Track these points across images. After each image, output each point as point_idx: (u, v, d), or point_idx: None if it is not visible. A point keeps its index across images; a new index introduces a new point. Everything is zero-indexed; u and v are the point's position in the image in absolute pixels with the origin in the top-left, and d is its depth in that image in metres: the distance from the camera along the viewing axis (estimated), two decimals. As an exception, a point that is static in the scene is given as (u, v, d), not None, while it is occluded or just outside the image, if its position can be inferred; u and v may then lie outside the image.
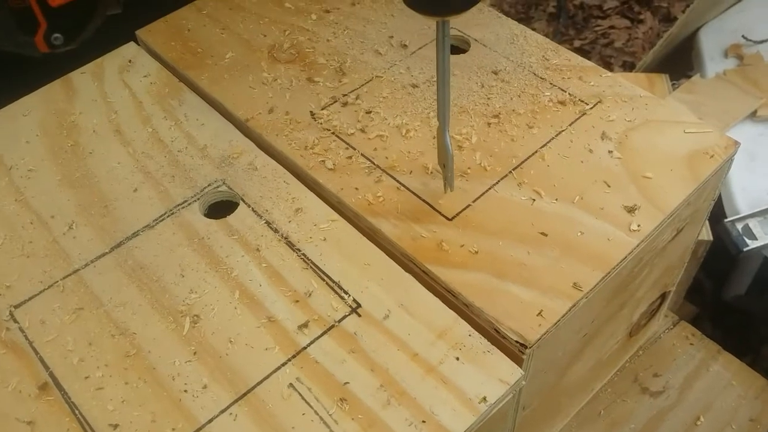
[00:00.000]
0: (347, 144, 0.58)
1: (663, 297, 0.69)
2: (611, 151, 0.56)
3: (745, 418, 0.72)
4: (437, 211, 0.53)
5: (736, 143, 0.56)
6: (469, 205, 0.53)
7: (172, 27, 0.68)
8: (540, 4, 2.07)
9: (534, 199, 0.53)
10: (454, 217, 0.52)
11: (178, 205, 0.54)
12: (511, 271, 0.49)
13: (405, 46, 0.66)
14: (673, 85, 1.28)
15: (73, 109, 0.62)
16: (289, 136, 0.58)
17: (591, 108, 0.59)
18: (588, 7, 2.04)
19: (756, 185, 0.98)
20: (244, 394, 0.44)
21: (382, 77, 0.63)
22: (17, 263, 0.51)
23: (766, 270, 0.97)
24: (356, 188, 0.55)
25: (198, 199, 0.55)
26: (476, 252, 0.50)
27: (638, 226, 0.51)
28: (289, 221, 0.53)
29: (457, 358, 0.45)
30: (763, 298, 1.03)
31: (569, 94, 0.60)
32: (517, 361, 0.45)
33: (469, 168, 0.55)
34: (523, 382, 0.44)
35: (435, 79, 0.62)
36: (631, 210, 0.52)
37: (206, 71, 0.64)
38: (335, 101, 0.61)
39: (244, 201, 0.54)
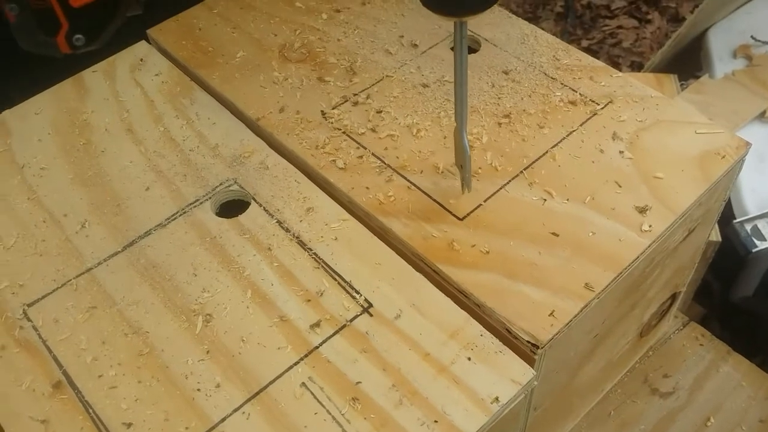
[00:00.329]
0: (358, 143, 0.58)
1: (673, 297, 0.69)
2: (622, 152, 0.56)
3: (755, 419, 0.72)
4: (448, 210, 0.53)
5: (748, 144, 0.56)
6: (480, 204, 0.53)
7: (183, 26, 0.68)
8: (548, 3, 2.06)
9: (545, 199, 0.53)
10: (465, 217, 0.52)
11: (190, 204, 0.54)
12: (523, 271, 0.49)
13: (415, 45, 0.66)
14: (681, 85, 1.27)
15: (84, 107, 0.62)
16: (300, 136, 0.58)
17: (602, 108, 0.59)
18: (596, 7, 2.04)
19: (765, 186, 0.97)
20: (257, 393, 0.44)
21: (392, 77, 0.63)
22: (30, 262, 0.52)
23: (775, 271, 0.97)
24: (367, 187, 0.55)
25: (210, 198, 0.55)
26: (487, 252, 0.50)
27: (650, 226, 0.51)
28: (301, 220, 0.53)
29: (469, 358, 0.45)
30: (772, 300, 1.02)
31: (580, 94, 0.60)
32: (529, 361, 0.45)
33: (480, 168, 0.55)
34: (535, 383, 0.44)
35: (445, 78, 0.63)
36: (642, 210, 0.52)
37: (217, 70, 0.64)
38: (346, 101, 0.61)
39: (255, 200, 0.54)
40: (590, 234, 0.51)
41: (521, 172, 0.55)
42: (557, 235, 0.51)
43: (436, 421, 0.42)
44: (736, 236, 0.94)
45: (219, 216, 0.54)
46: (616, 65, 1.88)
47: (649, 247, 0.50)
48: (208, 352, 0.46)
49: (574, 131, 0.57)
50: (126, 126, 0.60)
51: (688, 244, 0.60)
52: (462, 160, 0.51)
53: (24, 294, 0.50)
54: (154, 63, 0.65)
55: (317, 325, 0.47)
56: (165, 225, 0.53)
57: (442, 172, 0.55)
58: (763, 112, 1.10)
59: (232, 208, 0.55)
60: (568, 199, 0.53)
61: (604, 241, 0.50)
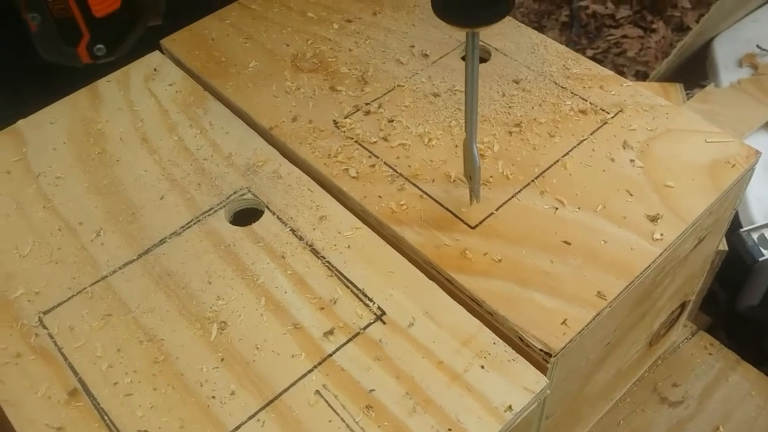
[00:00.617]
0: (370, 152, 0.58)
1: (683, 306, 0.69)
2: (633, 160, 0.56)
3: (765, 428, 0.72)
4: (460, 219, 0.53)
5: (758, 152, 0.57)
6: (492, 213, 0.53)
7: (195, 36, 0.69)
8: (552, 13, 2.07)
9: (557, 208, 0.53)
10: (477, 226, 0.53)
11: (205, 212, 0.55)
12: (535, 279, 0.49)
13: (426, 55, 0.66)
14: (687, 94, 1.28)
15: (99, 117, 0.62)
16: (312, 145, 0.59)
17: (612, 117, 0.59)
18: (600, 17, 2.05)
19: (772, 195, 0.97)
20: (272, 401, 0.44)
21: (403, 86, 0.63)
22: (46, 269, 0.52)
23: (781, 281, 0.96)
24: (379, 196, 0.55)
25: (224, 206, 0.55)
26: (500, 260, 0.50)
27: (661, 235, 0.51)
28: (314, 229, 0.53)
29: (482, 366, 0.45)
30: (777, 309, 1.02)
31: (590, 103, 0.61)
32: (541, 369, 0.46)
33: (491, 176, 0.56)
34: (548, 391, 0.45)
35: (456, 88, 0.63)
36: (653, 219, 0.52)
37: (230, 80, 0.64)
38: (358, 110, 0.62)
39: (269, 208, 0.55)
40: (602, 242, 0.51)
41: (532, 180, 0.55)
42: (569, 244, 0.51)
43: (449, 430, 0.43)
44: (743, 245, 0.94)
45: (233, 224, 0.54)
46: (621, 74, 1.88)
47: (660, 255, 0.50)
48: (222, 359, 0.47)
49: (584, 140, 0.58)
50: (140, 135, 0.61)
51: (698, 252, 0.60)
52: (471, 171, 0.51)
53: (40, 301, 0.50)
54: (167, 73, 0.66)
55: (331, 332, 0.47)
56: (180, 233, 0.54)
57: (454, 180, 0.56)
58: (770, 121, 1.10)
59: (246, 216, 0.56)
60: (579, 208, 0.53)
61: (616, 249, 0.50)
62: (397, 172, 0.57)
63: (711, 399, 0.74)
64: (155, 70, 0.66)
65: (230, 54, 0.67)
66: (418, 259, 0.52)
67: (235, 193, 0.56)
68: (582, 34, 2.02)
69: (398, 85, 0.64)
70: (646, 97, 0.61)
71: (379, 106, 0.62)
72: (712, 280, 0.93)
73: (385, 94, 0.63)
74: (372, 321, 0.48)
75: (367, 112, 0.61)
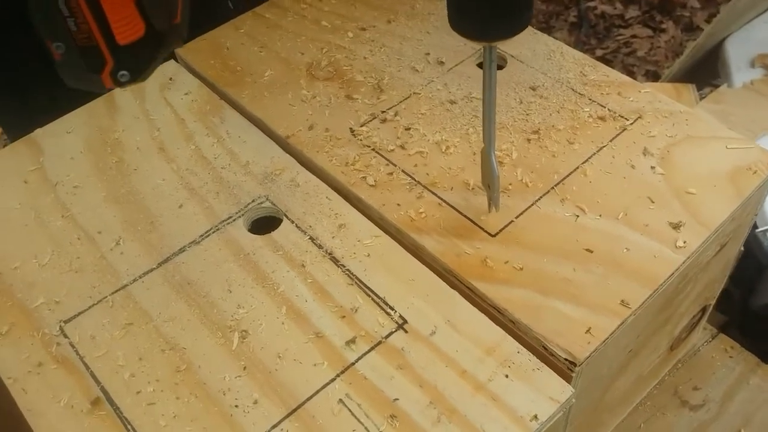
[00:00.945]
0: (388, 160, 0.58)
1: (703, 310, 0.68)
2: (653, 167, 0.56)
3: (786, 433, 0.71)
4: (480, 227, 0.53)
5: (779, 158, 0.56)
6: (512, 221, 0.53)
7: (211, 45, 0.69)
8: (561, 13, 2.07)
9: (577, 216, 0.53)
10: (497, 234, 0.53)
11: (223, 221, 0.55)
12: (557, 287, 0.49)
13: (441, 62, 0.66)
14: (699, 94, 1.27)
15: (116, 126, 0.63)
16: (329, 153, 0.59)
17: (631, 124, 0.59)
18: (609, 17, 2.04)
19: (788, 197, 0.97)
20: (295, 410, 0.44)
21: (419, 94, 0.63)
22: (66, 278, 0.52)
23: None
24: (398, 204, 0.55)
25: (242, 215, 0.55)
26: (521, 268, 0.50)
27: (684, 242, 0.51)
28: (333, 237, 0.53)
29: (507, 376, 0.45)
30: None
31: (609, 109, 0.60)
32: (566, 378, 0.45)
33: (510, 184, 0.55)
34: (573, 400, 0.44)
35: (473, 95, 0.63)
36: (676, 226, 0.52)
37: (246, 89, 0.64)
38: (374, 118, 0.62)
39: (287, 217, 0.55)
40: (624, 250, 0.51)
41: (552, 188, 0.55)
42: (591, 252, 0.51)
43: (474, 439, 0.42)
44: (759, 245, 0.93)
45: (251, 233, 0.54)
46: (631, 74, 1.88)
47: (683, 263, 0.50)
48: (245, 368, 0.46)
49: (604, 147, 0.58)
50: (157, 144, 0.61)
51: (720, 258, 0.60)
52: (490, 180, 0.51)
53: (60, 310, 0.50)
54: (183, 82, 0.66)
55: (353, 341, 0.47)
56: (199, 242, 0.54)
57: (473, 188, 0.56)
58: (784, 123, 1.09)
59: (265, 224, 0.55)
60: (600, 215, 0.53)
61: (639, 257, 0.50)
62: (415, 180, 0.57)
63: (732, 402, 0.73)
64: (171, 79, 0.66)
65: (245, 63, 0.67)
66: (439, 267, 0.52)
67: (253, 201, 0.56)
68: (591, 34, 2.01)
69: (414, 93, 0.63)
70: (665, 104, 0.60)
71: (396, 114, 0.62)
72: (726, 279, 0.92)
73: (401, 101, 0.63)
74: (394, 329, 0.48)
75: (384, 120, 0.61)
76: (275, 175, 0.58)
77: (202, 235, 0.54)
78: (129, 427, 0.44)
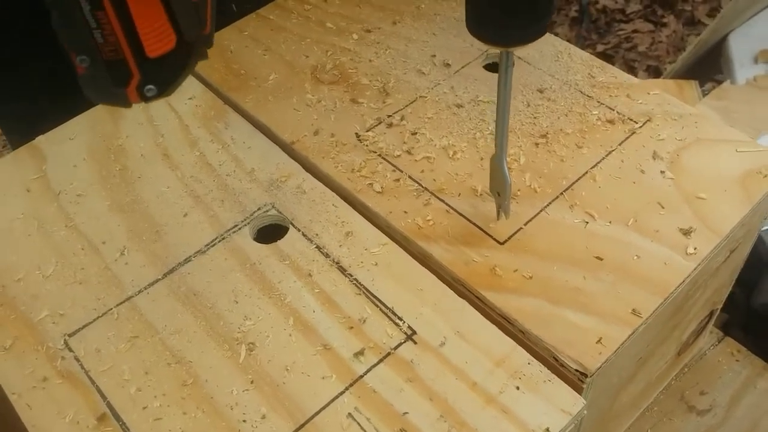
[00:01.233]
0: (394, 166, 0.57)
1: (711, 314, 0.68)
2: (663, 171, 0.55)
3: (794, 437, 0.71)
4: (488, 234, 0.52)
5: (790, 162, 0.55)
6: (521, 228, 0.53)
7: (214, 48, 0.67)
8: (562, 8, 2.05)
9: (587, 222, 0.52)
10: (505, 241, 0.52)
11: (229, 229, 0.54)
12: (567, 296, 0.48)
13: (448, 65, 0.65)
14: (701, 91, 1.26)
15: (119, 132, 0.62)
16: (335, 159, 0.58)
17: (640, 127, 0.58)
18: (611, 11, 2.03)
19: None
20: (303, 424, 0.44)
21: (426, 97, 0.63)
22: (70, 290, 0.52)
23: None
24: (405, 211, 0.54)
25: (248, 223, 0.54)
26: (530, 277, 0.50)
27: (695, 249, 0.50)
28: (340, 245, 0.53)
29: (518, 388, 0.44)
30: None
31: (617, 112, 0.60)
32: (576, 389, 0.45)
33: (518, 190, 0.55)
34: (585, 412, 0.44)
35: (479, 98, 0.62)
36: (686, 233, 0.51)
37: (250, 93, 0.64)
38: (380, 122, 0.61)
39: (293, 225, 0.54)
40: (635, 257, 0.50)
41: (561, 193, 0.54)
42: (601, 259, 0.50)
43: (486, 453, 0.42)
44: (762, 244, 0.93)
45: (256, 241, 0.54)
46: (632, 69, 1.87)
47: (694, 270, 0.49)
48: (252, 381, 0.46)
49: (613, 151, 0.57)
50: (162, 151, 0.60)
51: (729, 263, 0.59)
52: (501, 188, 0.50)
53: (65, 323, 0.50)
54: (186, 86, 0.64)
55: (361, 353, 0.47)
56: (204, 251, 0.53)
57: (481, 194, 0.55)
58: (790, 120, 1.08)
59: (270, 232, 0.55)
60: (610, 222, 0.52)
61: (650, 264, 0.50)
62: (423, 187, 0.56)
63: (739, 406, 0.73)
64: (174, 83, 0.65)
65: (249, 66, 0.66)
66: (447, 276, 0.51)
67: (259, 209, 0.55)
68: (592, 29, 2.00)
69: (420, 96, 0.63)
70: (675, 106, 0.60)
71: (402, 118, 0.61)
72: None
73: (407, 105, 0.62)
74: (403, 341, 0.47)
75: (390, 125, 0.61)
76: (281, 181, 0.57)
77: (207, 245, 0.53)
78: (136, 442, 0.44)
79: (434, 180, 0.56)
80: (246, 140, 0.60)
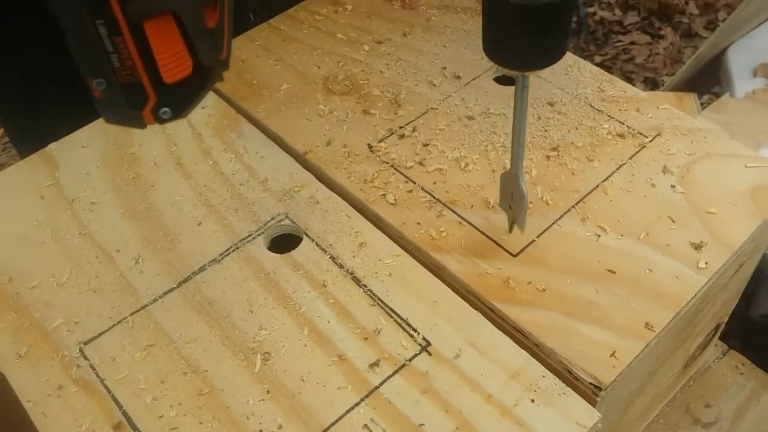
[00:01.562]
0: (407, 177, 0.58)
1: (717, 328, 0.68)
2: (674, 186, 0.56)
3: (798, 450, 0.71)
4: (501, 246, 0.53)
5: (798, 177, 0.56)
6: (534, 240, 0.53)
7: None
8: (561, 19, 2.06)
9: (599, 235, 0.53)
10: (518, 253, 0.52)
11: (243, 239, 0.54)
12: (581, 309, 0.49)
13: (458, 77, 0.66)
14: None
15: (132, 140, 0.62)
16: (348, 169, 0.59)
17: (650, 141, 0.59)
18: (608, 23, 2.04)
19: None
20: (320, 435, 0.44)
21: (437, 109, 0.63)
22: (85, 298, 0.52)
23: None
24: (418, 223, 0.55)
25: (262, 233, 0.55)
26: (544, 289, 0.50)
27: (706, 263, 0.51)
28: (354, 256, 0.53)
29: (533, 401, 0.45)
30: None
31: (627, 126, 0.60)
32: (590, 402, 0.45)
33: (531, 202, 0.55)
34: (599, 425, 0.44)
35: (490, 110, 0.63)
36: (698, 247, 0.52)
37: (263, 103, 0.64)
38: (392, 133, 0.61)
39: (307, 235, 0.54)
40: (647, 271, 0.50)
41: (573, 206, 0.55)
42: (614, 272, 0.51)
43: (502, 465, 0.42)
44: (762, 257, 0.94)
45: (270, 251, 0.54)
46: (630, 81, 1.88)
47: (706, 284, 0.50)
48: (268, 391, 0.46)
49: (624, 164, 0.57)
50: (175, 160, 0.60)
51: (737, 277, 0.60)
52: (518, 201, 0.51)
53: (80, 331, 0.50)
54: (198, 95, 0.65)
55: (376, 364, 0.47)
56: (219, 260, 0.53)
57: (493, 207, 0.55)
58: (789, 133, 1.09)
59: (284, 242, 0.55)
60: (622, 235, 0.53)
61: (662, 278, 0.50)
62: (435, 198, 0.56)
63: (743, 419, 0.73)
64: (186, 92, 0.66)
65: (261, 76, 0.67)
66: (460, 288, 0.51)
67: (272, 219, 0.56)
68: (590, 40, 2.02)
69: (432, 108, 0.63)
70: (684, 120, 0.60)
71: (414, 130, 0.61)
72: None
73: (418, 117, 0.63)
74: (417, 352, 0.48)
75: (402, 136, 0.61)
76: (294, 192, 0.57)
77: (222, 254, 0.54)
78: (152, 451, 0.44)
79: (447, 191, 0.57)
80: (259, 150, 0.61)
